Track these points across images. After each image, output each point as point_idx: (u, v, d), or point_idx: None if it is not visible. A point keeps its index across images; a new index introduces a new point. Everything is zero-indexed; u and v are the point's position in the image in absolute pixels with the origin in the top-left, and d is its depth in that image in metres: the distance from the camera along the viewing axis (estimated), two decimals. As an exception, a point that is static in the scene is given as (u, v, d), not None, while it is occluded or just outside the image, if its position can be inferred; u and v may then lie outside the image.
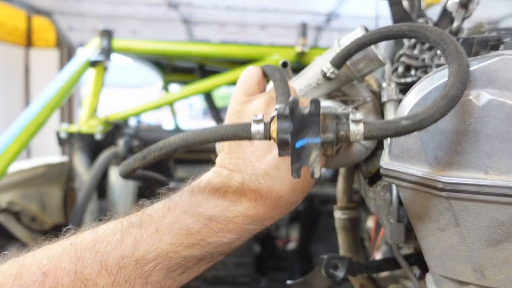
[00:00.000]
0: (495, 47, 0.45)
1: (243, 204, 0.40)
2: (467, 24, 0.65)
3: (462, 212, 0.38)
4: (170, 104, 2.50)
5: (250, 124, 0.36)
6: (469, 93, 0.36)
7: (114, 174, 1.59)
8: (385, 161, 0.43)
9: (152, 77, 2.73)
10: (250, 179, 0.40)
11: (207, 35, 3.73)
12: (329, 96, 0.56)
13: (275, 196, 0.40)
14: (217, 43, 2.89)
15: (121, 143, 1.57)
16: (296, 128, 0.33)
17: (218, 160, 0.44)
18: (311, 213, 2.03)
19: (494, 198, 0.35)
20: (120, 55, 1.96)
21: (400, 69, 0.64)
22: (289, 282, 0.66)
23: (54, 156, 1.69)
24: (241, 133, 0.36)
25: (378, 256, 0.84)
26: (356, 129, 0.33)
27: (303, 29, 1.71)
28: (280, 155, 0.34)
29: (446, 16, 0.70)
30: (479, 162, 0.36)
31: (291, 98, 0.33)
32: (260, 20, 3.37)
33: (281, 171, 0.40)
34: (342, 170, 0.71)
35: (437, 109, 0.33)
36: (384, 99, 0.55)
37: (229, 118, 0.45)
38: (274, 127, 0.35)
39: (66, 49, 3.81)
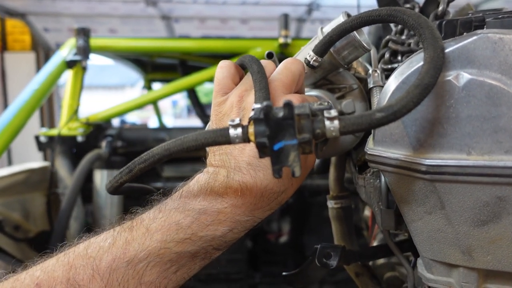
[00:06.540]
0: (480, 28, 0.45)
1: (229, 196, 0.40)
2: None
3: (446, 194, 0.38)
4: (153, 102, 2.46)
5: (227, 129, 0.36)
6: (449, 74, 0.36)
7: (99, 177, 1.55)
8: (370, 147, 0.42)
9: (135, 77, 2.68)
10: (234, 172, 0.41)
11: (188, 31, 3.67)
12: (316, 85, 0.56)
13: (259, 185, 0.40)
14: (198, 38, 2.84)
15: (104, 144, 1.53)
16: (273, 132, 0.33)
17: (207, 159, 0.45)
18: (301, 206, 2.03)
19: (477, 178, 0.35)
20: (99, 54, 1.91)
21: (387, 55, 0.64)
22: (284, 273, 0.66)
23: (35, 161, 1.63)
24: (220, 139, 0.37)
25: (375, 244, 0.84)
26: (332, 126, 0.34)
27: (285, 20, 1.69)
28: (260, 157, 0.35)
29: (432, 0, 0.70)
30: (461, 143, 0.36)
31: (264, 104, 0.33)
32: (241, 14, 3.34)
33: (263, 160, 0.40)
34: (333, 159, 0.71)
35: (410, 98, 0.33)
36: (370, 85, 0.55)
37: (213, 120, 0.46)
38: (251, 130, 0.35)
39: (42, 51, 3.70)
